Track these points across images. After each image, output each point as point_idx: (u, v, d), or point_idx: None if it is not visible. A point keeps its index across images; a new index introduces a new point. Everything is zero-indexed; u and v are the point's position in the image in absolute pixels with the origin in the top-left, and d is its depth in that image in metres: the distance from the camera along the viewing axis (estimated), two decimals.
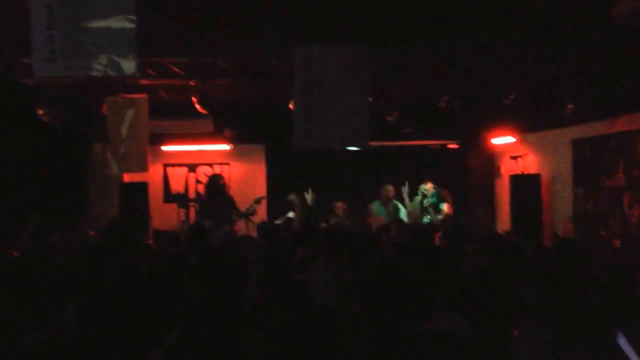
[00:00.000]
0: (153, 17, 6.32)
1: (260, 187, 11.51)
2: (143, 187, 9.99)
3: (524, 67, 8.01)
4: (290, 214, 9.04)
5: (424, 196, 9.85)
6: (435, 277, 4.48)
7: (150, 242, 7.61)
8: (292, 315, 4.71)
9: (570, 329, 3.52)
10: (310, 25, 6.89)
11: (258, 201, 9.24)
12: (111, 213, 9.68)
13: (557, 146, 10.07)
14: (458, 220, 10.11)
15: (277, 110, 8.65)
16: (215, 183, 9.34)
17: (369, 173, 11.38)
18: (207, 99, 8.27)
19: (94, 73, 6.16)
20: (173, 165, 12.09)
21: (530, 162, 10.94)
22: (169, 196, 12.04)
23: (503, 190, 11.41)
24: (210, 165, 12.07)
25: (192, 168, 12.11)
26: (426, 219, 9.66)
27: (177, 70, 7.92)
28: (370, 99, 7.69)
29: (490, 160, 12.18)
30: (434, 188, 10.00)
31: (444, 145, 12.45)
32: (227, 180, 10.17)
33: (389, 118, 9.76)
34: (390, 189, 10.04)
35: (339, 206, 10.25)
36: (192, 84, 8.11)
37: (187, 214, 11.78)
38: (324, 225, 9.09)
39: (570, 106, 8.63)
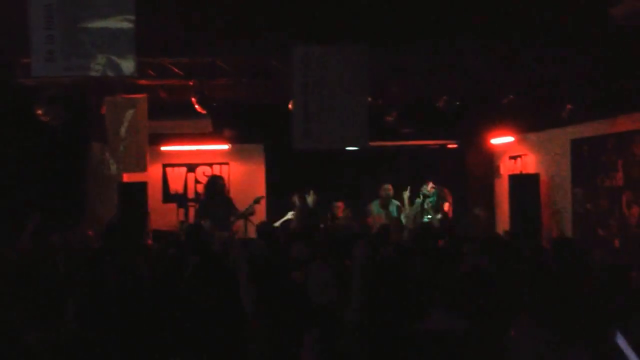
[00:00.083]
0: (152, 17, 6.31)
1: (259, 187, 11.51)
2: (142, 187, 9.99)
3: (523, 67, 8.01)
4: (289, 215, 9.04)
5: (425, 197, 9.84)
6: (435, 277, 4.49)
7: (150, 242, 7.62)
8: (292, 316, 4.72)
9: (570, 329, 3.52)
10: (310, 25, 6.88)
11: (257, 201, 9.25)
12: (110, 213, 9.67)
13: (556, 146, 10.08)
14: (457, 220, 10.14)
15: (276, 110, 8.65)
16: (215, 183, 9.34)
17: (369, 173, 11.39)
18: (206, 99, 8.26)
19: (93, 73, 6.15)
20: (172, 165, 12.09)
21: (529, 162, 10.95)
22: (168, 196, 12.05)
23: (502, 190, 11.42)
24: (210, 165, 12.07)
25: (192, 168, 12.12)
26: (426, 218, 9.67)
27: (176, 70, 7.91)
28: (370, 98, 7.69)
29: (489, 160, 12.19)
30: (433, 188, 10.01)
31: (444, 145, 12.46)
32: (226, 180, 10.17)
33: (388, 118, 9.76)
34: (389, 188, 10.05)
35: (339, 206, 10.27)
36: (191, 84, 8.10)
37: (186, 214, 11.79)
38: (322, 225, 9.12)
39: (569, 106, 8.64)
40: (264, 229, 7.13)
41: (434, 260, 5.05)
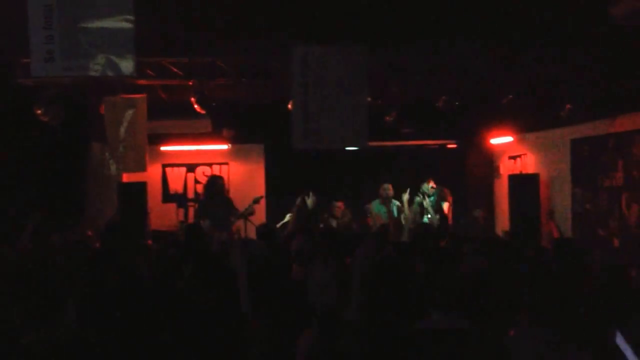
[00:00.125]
0: (152, 17, 6.31)
1: (259, 187, 11.51)
2: (142, 187, 9.99)
3: (523, 67, 8.01)
4: (288, 217, 9.03)
5: (425, 196, 9.83)
6: (435, 277, 4.49)
7: (150, 242, 7.61)
8: (291, 316, 4.73)
9: (569, 329, 3.53)
10: (310, 25, 6.88)
11: (256, 201, 9.24)
12: (110, 213, 9.67)
13: (555, 146, 10.08)
14: (456, 220, 10.14)
15: (276, 109, 8.65)
16: (214, 183, 9.34)
17: (368, 173, 11.39)
18: (205, 99, 8.25)
19: (93, 73, 6.15)
20: (172, 165, 12.10)
21: (529, 162, 10.96)
22: (168, 196, 12.05)
23: (502, 190, 11.42)
24: (209, 165, 12.08)
25: (191, 168, 12.12)
26: (426, 218, 9.67)
27: (175, 70, 7.91)
28: (370, 98, 7.69)
29: (489, 160, 12.19)
30: (433, 188, 10.01)
31: (443, 145, 12.47)
32: (226, 180, 10.17)
33: (388, 118, 9.77)
34: (389, 188, 10.05)
35: (338, 206, 10.27)
36: (191, 84, 8.10)
37: (186, 214, 11.79)
38: (322, 225, 9.12)
39: (568, 106, 8.65)
40: (264, 230, 7.12)
41: (434, 260, 5.05)
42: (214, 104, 8.61)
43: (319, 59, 7.16)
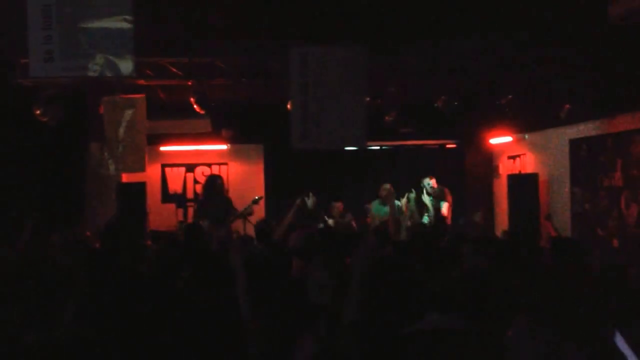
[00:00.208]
0: (151, 17, 6.32)
1: (258, 187, 11.51)
2: (141, 187, 9.99)
3: (522, 67, 8.02)
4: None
5: (426, 192, 9.78)
6: (434, 277, 4.49)
7: (149, 242, 7.61)
8: (291, 315, 4.72)
9: (569, 329, 3.53)
10: (310, 26, 6.89)
11: (256, 201, 9.23)
12: (110, 213, 9.67)
13: (555, 146, 10.09)
14: (455, 220, 10.14)
15: (275, 110, 8.65)
16: (213, 183, 9.33)
17: (368, 173, 11.38)
18: (205, 99, 8.25)
19: (92, 73, 6.15)
20: (171, 165, 12.09)
21: (528, 162, 10.96)
22: (167, 196, 12.04)
23: (501, 189, 11.42)
24: (209, 165, 12.07)
25: (190, 168, 12.11)
26: (425, 218, 9.66)
27: (175, 70, 7.91)
28: (369, 98, 7.70)
29: (488, 160, 12.19)
30: (433, 187, 9.99)
31: (442, 145, 12.48)
32: (225, 181, 10.17)
33: (387, 118, 9.77)
34: (389, 188, 10.03)
35: (337, 206, 10.27)
36: (190, 84, 8.10)
37: (185, 214, 11.79)
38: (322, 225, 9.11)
39: (567, 106, 8.65)
40: (263, 227, 7.11)
41: (434, 260, 5.05)
42: (213, 104, 8.60)
43: (318, 59, 7.16)
